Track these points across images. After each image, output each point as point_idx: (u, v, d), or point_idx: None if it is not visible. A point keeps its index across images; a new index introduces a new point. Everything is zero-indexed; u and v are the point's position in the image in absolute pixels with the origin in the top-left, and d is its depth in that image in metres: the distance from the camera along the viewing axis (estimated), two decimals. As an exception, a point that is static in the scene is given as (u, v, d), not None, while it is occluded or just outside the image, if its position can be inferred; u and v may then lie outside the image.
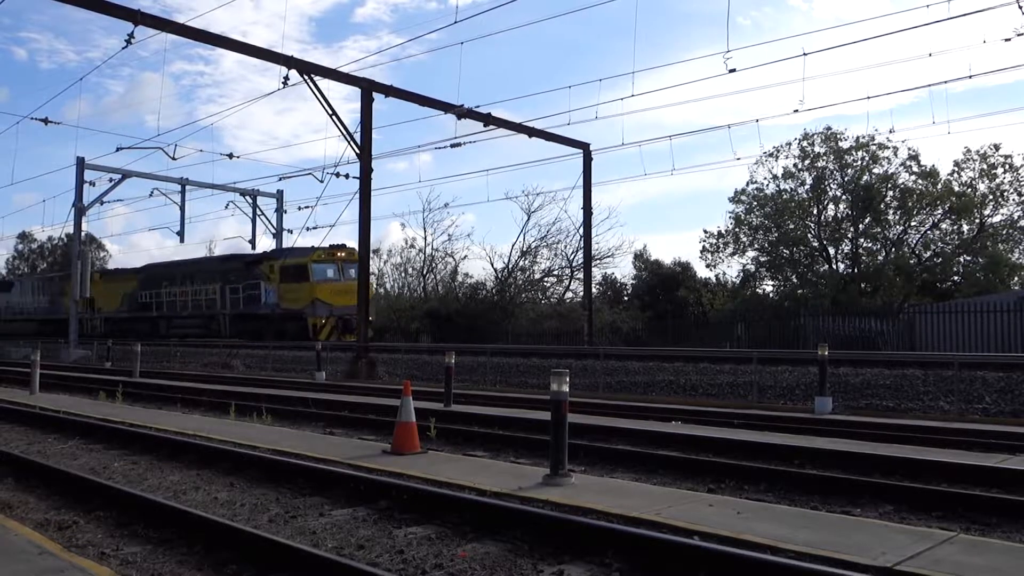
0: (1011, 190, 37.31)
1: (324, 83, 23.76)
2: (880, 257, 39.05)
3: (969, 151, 37.58)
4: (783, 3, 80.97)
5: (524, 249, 42.84)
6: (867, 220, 38.42)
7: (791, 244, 40.04)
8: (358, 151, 24.34)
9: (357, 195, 24.78)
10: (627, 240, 62.24)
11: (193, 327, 36.03)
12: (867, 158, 38.17)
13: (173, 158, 32.38)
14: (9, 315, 49.85)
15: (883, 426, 11.14)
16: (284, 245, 40.40)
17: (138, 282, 40.23)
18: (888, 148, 37.29)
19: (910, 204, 37.98)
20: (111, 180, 35.71)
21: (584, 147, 30.92)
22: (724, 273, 46.34)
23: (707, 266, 44.59)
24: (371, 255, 29.40)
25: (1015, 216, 37.74)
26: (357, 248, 25.92)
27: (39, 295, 47.10)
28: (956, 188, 37.60)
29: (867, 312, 30.75)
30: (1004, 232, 38.01)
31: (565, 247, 42.72)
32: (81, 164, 35.10)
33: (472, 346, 22.78)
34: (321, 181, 32.11)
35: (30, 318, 47.17)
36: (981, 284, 35.46)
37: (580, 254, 37.03)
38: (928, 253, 39.07)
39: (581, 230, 34.50)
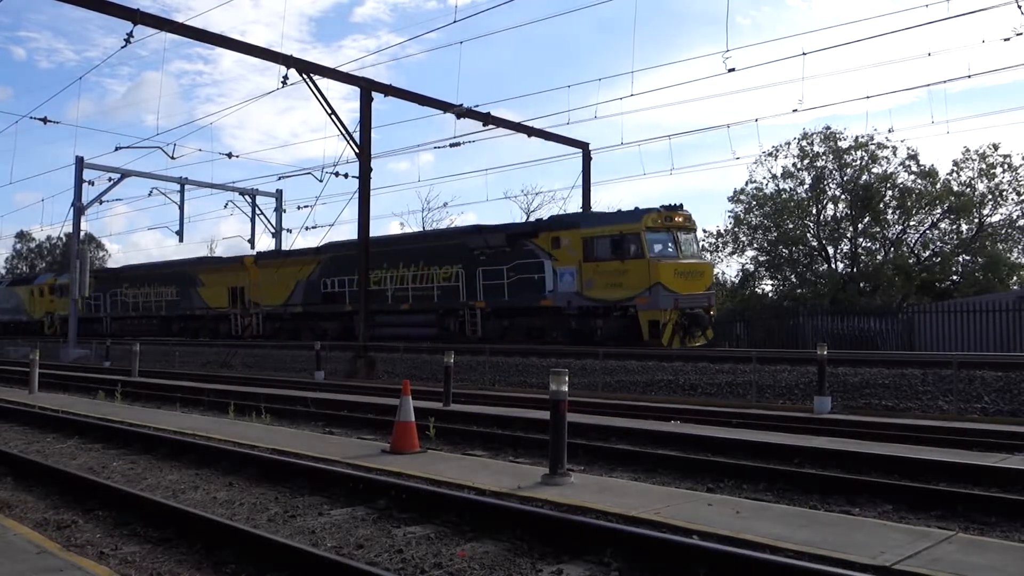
0: (1010, 190, 37.35)
1: (323, 82, 23.79)
2: (879, 257, 39.08)
3: (968, 151, 37.64)
4: (783, 3, 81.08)
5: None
6: (866, 220, 38.44)
7: (790, 244, 40.06)
8: (357, 150, 24.35)
9: (356, 194, 24.81)
10: (626, 240, 61.98)
11: (415, 326, 26.58)
12: (866, 158, 38.19)
13: (172, 157, 32.44)
14: (119, 312, 41.13)
15: (882, 425, 11.14)
16: (284, 245, 40.02)
17: (319, 265, 30.04)
18: (887, 148, 37.35)
19: (909, 204, 38.01)
20: (110, 179, 35.76)
21: (583, 146, 30.93)
22: (723, 273, 46.41)
23: (706, 265, 44.58)
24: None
25: (1014, 216, 37.79)
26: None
27: (161, 286, 38.59)
28: (955, 188, 37.62)
29: (866, 311, 30.74)
30: (1003, 232, 38.05)
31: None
32: (80, 163, 35.09)
33: (471, 345, 22.70)
34: (320, 181, 31.98)
35: (148, 315, 38.98)
36: (980, 284, 35.47)
37: (579, 253, 36.90)
38: (927, 253, 39.09)
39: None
